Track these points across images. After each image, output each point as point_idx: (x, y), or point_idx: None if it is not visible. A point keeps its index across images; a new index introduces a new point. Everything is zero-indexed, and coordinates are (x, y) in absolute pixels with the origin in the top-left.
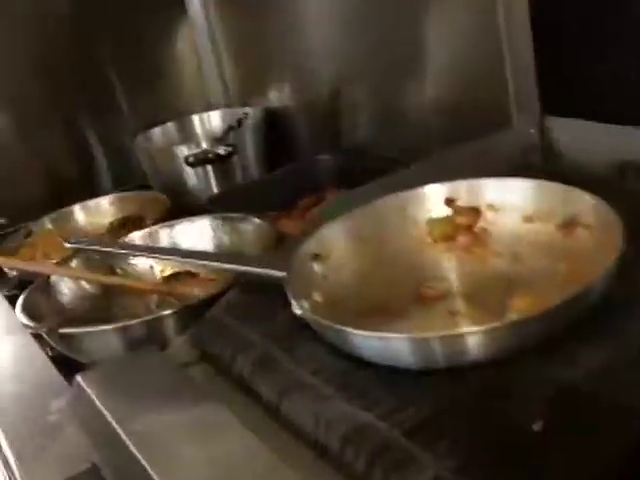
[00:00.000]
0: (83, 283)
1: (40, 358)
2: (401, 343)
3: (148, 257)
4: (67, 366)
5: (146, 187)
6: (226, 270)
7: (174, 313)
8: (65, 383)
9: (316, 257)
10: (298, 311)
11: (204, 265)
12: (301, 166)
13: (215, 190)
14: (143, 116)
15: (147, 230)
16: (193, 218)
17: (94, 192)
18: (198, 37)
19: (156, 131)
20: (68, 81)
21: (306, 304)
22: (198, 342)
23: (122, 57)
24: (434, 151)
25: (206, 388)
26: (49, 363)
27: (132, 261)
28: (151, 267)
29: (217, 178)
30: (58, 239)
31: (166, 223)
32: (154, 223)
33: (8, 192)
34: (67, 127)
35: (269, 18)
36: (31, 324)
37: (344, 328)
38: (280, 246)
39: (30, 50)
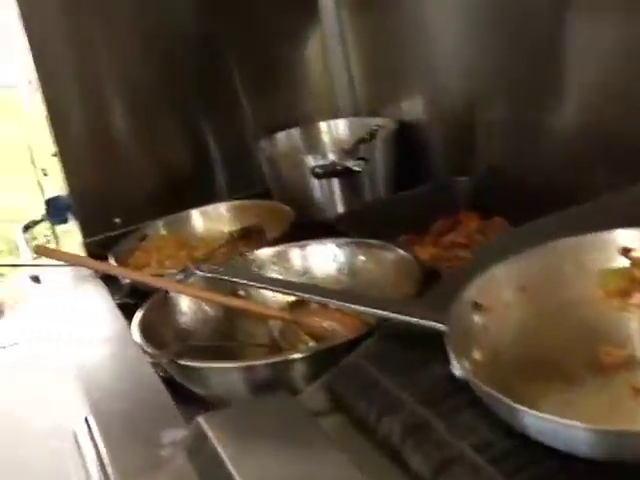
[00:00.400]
0: (203, 309)
1: (151, 378)
2: (581, 432)
3: (285, 294)
4: (178, 389)
5: (263, 195)
6: (374, 315)
7: (305, 357)
8: (177, 411)
9: (477, 307)
10: (459, 372)
11: (350, 308)
12: (434, 186)
13: (340, 205)
14: (266, 120)
15: (276, 249)
16: (325, 240)
17: (210, 196)
18: (329, 41)
19: (280, 136)
20: (191, 82)
21: (467, 364)
22: (334, 391)
23: (247, 58)
24: (581, 180)
25: (340, 443)
26: (161, 386)
27: None
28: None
29: (343, 192)
30: (172, 247)
31: (296, 243)
32: (277, 237)
33: (124, 191)
34: (187, 128)
35: (403, 27)
36: (149, 350)
37: (516, 406)
38: (420, 280)
39: (153, 50)
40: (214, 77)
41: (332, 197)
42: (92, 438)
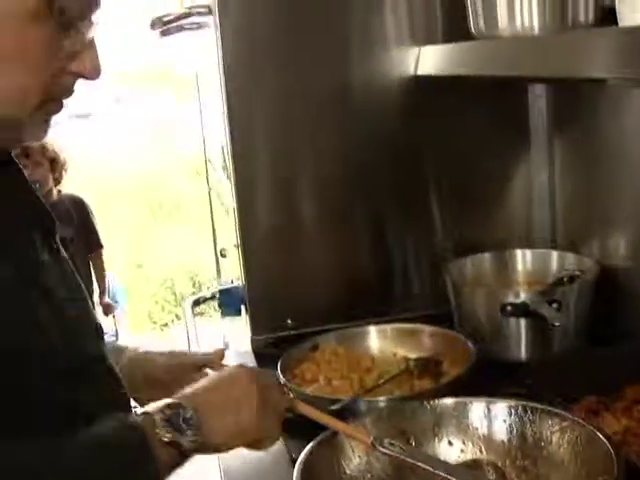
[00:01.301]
0: (372, 458)
1: None
2: None
3: None
4: None
5: (440, 317)
6: None
7: None
8: None
9: None
10: None
11: None
12: (635, 344)
13: (524, 346)
14: (456, 239)
15: (457, 401)
16: (510, 401)
17: (386, 308)
18: (534, 166)
19: (469, 260)
20: (384, 189)
21: None
22: None
23: (447, 173)
24: None
25: None
26: None
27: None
28: (449, 443)
29: (530, 335)
30: (344, 365)
31: (479, 399)
32: (456, 377)
33: (300, 293)
34: (373, 236)
35: (614, 165)
36: None
37: None
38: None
39: (349, 155)
40: (409, 187)
41: (518, 337)
42: None
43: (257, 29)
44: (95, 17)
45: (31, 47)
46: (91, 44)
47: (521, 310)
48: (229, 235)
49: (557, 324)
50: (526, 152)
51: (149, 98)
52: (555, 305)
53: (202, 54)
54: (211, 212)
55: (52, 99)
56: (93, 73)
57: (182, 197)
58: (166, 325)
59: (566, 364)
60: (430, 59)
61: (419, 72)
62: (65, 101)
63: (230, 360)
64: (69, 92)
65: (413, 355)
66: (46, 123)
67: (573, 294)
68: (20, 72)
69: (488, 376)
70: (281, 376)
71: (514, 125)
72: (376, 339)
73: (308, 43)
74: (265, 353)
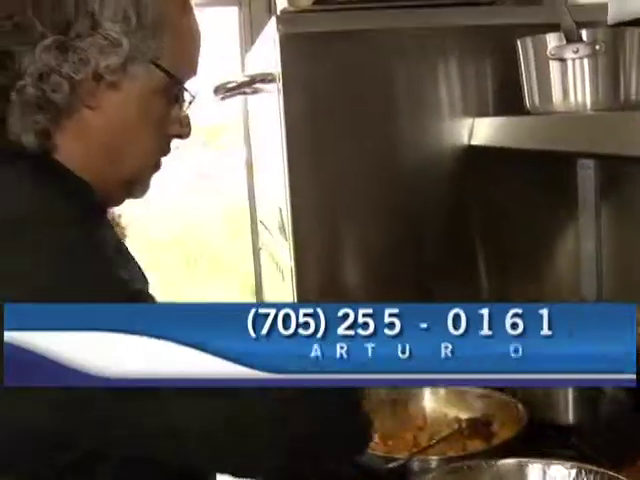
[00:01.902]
0: None
1: None
2: None
3: None
4: None
5: None
6: None
7: None
8: None
9: None
10: None
11: None
12: None
13: (572, 409)
14: (502, 301)
15: (516, 461)
16: (567, 463)
17: None
18: (583, 241)
19: None
20: (429, 252)
21: None
22: None
23: (493, 236)
24: None
25: None
26: None
27: None
28: None
29: (579, 398)
30: (397, 424)
31: (539, 461)
32: (508, 439)
33: None
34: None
35: None
36: None
37: None
38: None
39: (396, 220)
40: (457, 250)
41: (566, 401)
42: None
43: (318, 96)
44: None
45: (154, 115)
46: (185, 112)
47: None
48: (280, 295)
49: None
50: (574, 219)
51: (194, 150)
52: None
53: (257, 117)
54: (255, 271)
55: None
56: (188, 133)
57: (221, 253)
58: None
59: (615, 427)
60: (484, 130)
61: (473, 142)
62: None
63: None
64: (167, 152)
65: (464, 416)
66: (149, 181)
67: None
68: (147, 137)
69: (537, 438)
70: None
71: (562, 193)
72: (430, 398)
73: (366, 111)
74: None
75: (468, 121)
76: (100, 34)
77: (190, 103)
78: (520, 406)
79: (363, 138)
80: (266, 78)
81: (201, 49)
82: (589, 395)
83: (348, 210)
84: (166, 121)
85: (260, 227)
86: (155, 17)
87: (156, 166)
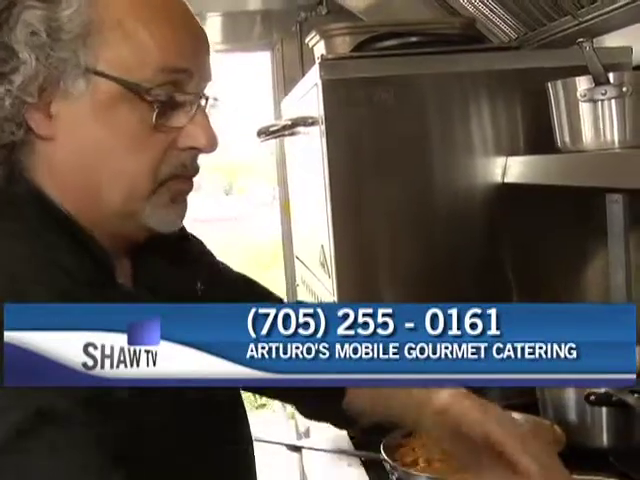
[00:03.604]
0: None
1: None
2: None
3: None
4: None
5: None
6: None
7: None
8: None
9: None
10: None
11: None
12: None
13: (607, 433)
14: None
15: None
16: None
17: None
18: (612, 262)
19: None
20: (465, 290)
21: None
22: None
23: (529, 272)
24: None
25: None
26: None
27: None
28: None
29: (614, 422)
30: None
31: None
32: None
33: None
34: None
35: None
36: None
37: None
38: None
39: (435, 248)
40: (488, 282)
41: (601, 424)
42: None
43: (358, 138)
44: (202, 89)
45: (129, 129)
46: (201, 116)
47: (604, 400)
48: None
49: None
50: (604, 251)
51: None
52: (637, 395)
53: (295, 158)
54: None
55: (172, 178)
56: (206, 145)
57: None
58: None
59: None
60: (517, 169)
61: (506, 180)
62: (195, 179)
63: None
64: (189, 168)
65: None
66: (174, 204)
67: None
68: (126, 159)
69: (575, 460)
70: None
71: (593, 227)
72: None
73: (403, 152)
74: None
75: (501, 160)
76: (16, 56)
77: (199, 108)
78: (557, 428)
79: (401, 177)
80: (307, 121)
81: (198, 45)
82: (623, 417)
83: (387, 246)
84: (151, 134)
85: (297, 263)
86: (85, 24)
87: (168, 188)
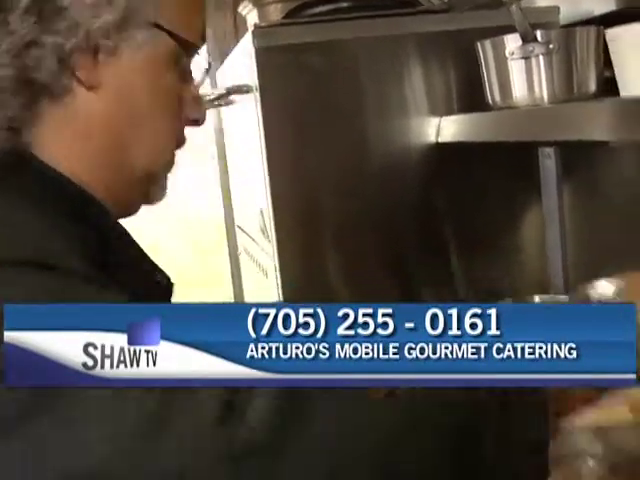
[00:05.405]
0: None
1: None
2: None
3: None
4: None
5: None
6: None
7: None
8: None
9: None
10: None
11: None
12: None
13: None
14: (475, 289)
15: None
16: None
17: None
18: (546, 215)
19: None
20: (405, 245)
21: None
22: None
23: (466, 230)
24: None
25: None
26: None
27: None
28: None
29: None
30: None
31: None
32: None
33: None
34: (396, 294)
35: (618, 213)
36: None
37: None
38: None
39: (372, 216)
40: (429, 243)
41: None
42: None
43: (293, 104)
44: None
45: (167, 93)
46: (197, 91)
47: None
48: (263, 294)
49: None
50: (538, 204)
51: None
52: None
53: (231, 128)
54: (232, 276)
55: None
56: (203, 120)
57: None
58: None
59: None
60: (451, 128)
61: (440, 140)
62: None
63: None
64: (183, 142)
65: None
66: (166, 179)
67: None
68: (161, 121)
69: None
70: None
71: (526, 182)
72: None
73: (338, 116)
74: None
75: (435, 120)
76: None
77: (202, 80)
78: None
79: (337, 141)
80: (242, 89)
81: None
82: None
83: (324, 209)
84: (180, 101)
85: (238, 232)
86: None
87: (172, 161)
